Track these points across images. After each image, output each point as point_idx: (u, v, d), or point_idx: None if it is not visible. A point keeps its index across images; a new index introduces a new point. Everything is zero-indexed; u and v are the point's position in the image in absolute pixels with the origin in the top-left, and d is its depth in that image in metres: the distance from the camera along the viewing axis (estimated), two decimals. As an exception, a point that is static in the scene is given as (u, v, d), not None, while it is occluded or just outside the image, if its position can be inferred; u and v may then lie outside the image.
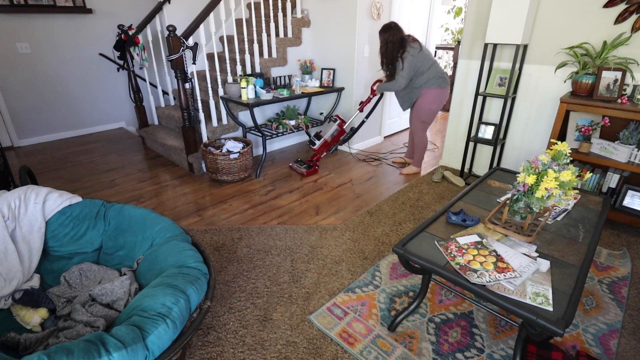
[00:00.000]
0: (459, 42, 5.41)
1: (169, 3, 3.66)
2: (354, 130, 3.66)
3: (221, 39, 3.89)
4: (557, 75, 2.71)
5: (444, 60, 5.90)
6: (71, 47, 4.14)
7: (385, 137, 4.48)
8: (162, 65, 4.59)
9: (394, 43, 2.89)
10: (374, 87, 3.25)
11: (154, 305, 1.14)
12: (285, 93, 3.34)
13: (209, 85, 3.26)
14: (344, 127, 3.52)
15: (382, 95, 3.51)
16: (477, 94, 2.96)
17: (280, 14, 3.57)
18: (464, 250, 1.42)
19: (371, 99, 3.36)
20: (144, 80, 4.19)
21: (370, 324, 1.73)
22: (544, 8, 2.62)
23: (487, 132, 3.04)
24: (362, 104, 3.44)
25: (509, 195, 1.67)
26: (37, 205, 1.64)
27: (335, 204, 2.87)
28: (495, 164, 3.25)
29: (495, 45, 2.81)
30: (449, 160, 3.58)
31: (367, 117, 3.57)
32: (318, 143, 3.44)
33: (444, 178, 3.32)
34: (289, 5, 3.62)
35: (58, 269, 1.66)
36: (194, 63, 3.05)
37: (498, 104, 3.09)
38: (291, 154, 3.94)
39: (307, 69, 3.77)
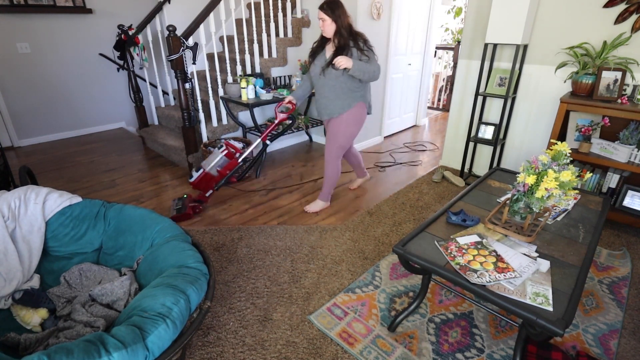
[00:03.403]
0: (459, 42, 5.41)
1: (169, 3, 3.66)
2: (254, 161, 2.88)
3: (221, 39, 3.89)
4: (557, 75, 2.71)
5: (444, 60, 5.89)
6: (71, 47, 4.14)
7: (385, 137, 4.48)
8: (162, 65, 4.59)
9: (346, 29, 2.26)
10: (343, 65, 2.20)
11: (154, 306, 1.14)
12: (285, 93, 3.34)
13: (209, 85, 3.26)
14: (237, 158, 2.72)
15: (294, 120, 3.01)
16: (477, 94, 2.96)
17: (280, 14, 3.57)
18: (464, 251, 1.42)
19: (277, 124, 2.70)
20: (144, 80, 4.19)
21: (370, 324, 1.73)
22: (544, 8, 2.62)
23: (487, 132, 3.04)
24: (266, 131, 2.81)
25: (509, 196, 1.67)
26: (37, 206, 1.64)
27: (335, 204, 2.87)
28: (495, 164, 3.25)
29: (495, 45, 2.81)
30: (449, 160, 3.58)
31: (271, 140, 2.92)
32: (195, 175, 2.58)
33: (444, 178, 3.32)
34: (289, 5, 3.62)
35: (58, 269, 1.66)
36: (194, 63, 3.05)
37: (498, 104, 3.09)
38: (291, 154, 3.94)
39: (307, 69, 3.77)
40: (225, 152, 2.61)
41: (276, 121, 2.68)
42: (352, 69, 2.22)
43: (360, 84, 2.36)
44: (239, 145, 3.03)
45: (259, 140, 2.78)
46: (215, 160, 2.62)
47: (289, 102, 2.56)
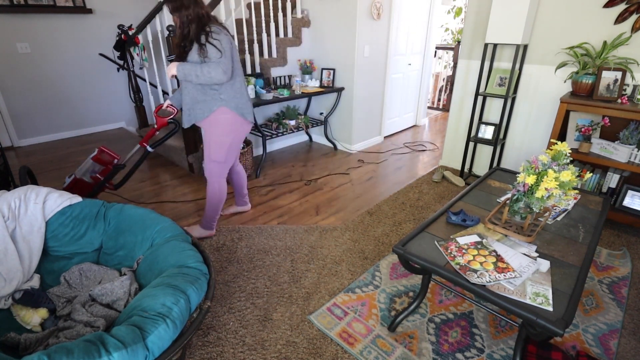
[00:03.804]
0: (459, 42, 5.41)
1: (169, 3, 3.65)
2: (135, 167, 2.59)
3: (221, 39, 3.89)
4: (557, 75, 2.71)
5: (444, 60, 5.89)
6: (71, 47, 4.14)
7: (385, 137, 4.48)
8: (162, 65, 4.59)
9: (194, 19, 1.89)
10: (169, 73, 2.00)
11: (154, 305, 1.14)
12: (285, 93, 3.34)
13: (209, 85, 3.26)
14: (112, 163, 2.45)
15: (177, 126, 2.50)
16: (477, 94, 2.96)
17: (280, 14, 3.57)
18: (464, 251, 1.42)
19: (156, 129, 2.36)
20: (144, 80, 4.19)
21: (370, 324, 1.73)
22: (544, 8, 2.62)
23: (487, 132, 3.04)
24: (145, 137, 2.56)
25: (509, 195, 1.67)
26: (37, 205, 1.64)
27: (335, 204, 2.87)
28: (495, 164, 3.25)
29: (495, 45, 2.81)
30: (449, 160, 3.58)
31: (153, 147, 2.53)
32: (67, 182, 2.35)
33: (444, 178, 3.32)
34: (289, 5, 3.62)
35: (58, 269, 1.66)
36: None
37: (498, 104, 3.09)
38: (291, 154, 3.94)
39: (307, 69, 3.77)
40: (93, 156, 2.39)
41: (156, 126, 2.34)
42: (179, 75, 1.93)
43: (221, 85, 1.97)
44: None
45: (138, 145, 2.50)
46: (84, 167, 2.40)
47: (169, 105, 2.27)
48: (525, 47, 2.77)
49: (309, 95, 3.52)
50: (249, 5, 4.26)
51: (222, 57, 1.85)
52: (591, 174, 1.98)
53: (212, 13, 2.98)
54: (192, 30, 1.87)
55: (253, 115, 2.20)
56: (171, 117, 2.31)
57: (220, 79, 1.88)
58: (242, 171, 2.54)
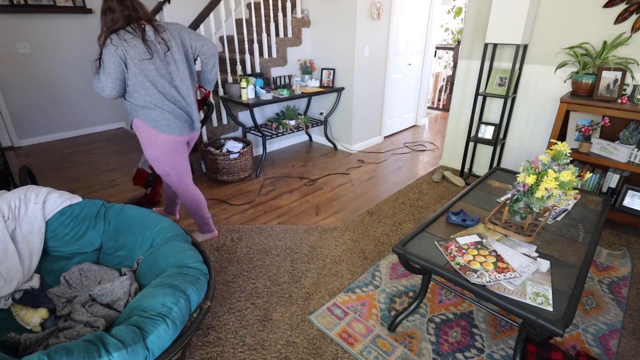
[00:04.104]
0: (459, 42, 5.41)
1: (169, 3, 3.65)
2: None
3: (221, 39, 3.89)
4: (557, 75, 2.71)
5: (444, 60, 5.89)
6: (71, 47, 4.14)
7: (385, 137, 4.48)
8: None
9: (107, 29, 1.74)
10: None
11: (154, 305, 1.14)
12: (285, 93, 3.34)
13: (209, 85, 3.26)
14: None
15: (210, 108, 2.47)
16: (477, 94, 2.96)
17: (280, 14, 3.57)
18: (464, 250, 1.42)
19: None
20: (144, 80, 4.19)
21: (370, 324, 1.73)
22: (544, 8, 2.62)
23: (487, 132, 3.04)
24: None
25: (509, 195, 1.67)
26: (37, 206, 1.64)
27: (335, 204, 2.87)
28: (495, 164, 3.25)
29: (495, 45, 2.81)
30: (449, 160, 3.58)
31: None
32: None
33: (444, 178, 3.32)
34: (289, 5, 3.62)
35: (58, 269, 1.66)
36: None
37: (498, 104, 3.09)
38: (291, 154, 3.94)
39: (307, 69, 3.77)
40: None
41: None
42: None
43: (131, 96, 1.84)
44: (238, 145, 3.02)
45: None
46: (144, 158, 2.51)
47: (198, 87, 2.25)
48: (525, 47, 2.78)
49: (309, 95, 3.52)
50: (249, 5, 4.26)
51: (101, 73, 1.74)
52: (591, 174, 1.98)
53: (211, 14, 2.86)
54: (101, 43, 1.75)
55: (185, 128, 1.98)
56: (202, 98, 2.31)
57: (100, 92, 1.79)
58: None
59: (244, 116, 3.59)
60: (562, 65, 2.59)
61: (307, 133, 4.35)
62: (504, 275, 1.28)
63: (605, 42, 2.38)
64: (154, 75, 1.81)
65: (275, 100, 3.23)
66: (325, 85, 3.79)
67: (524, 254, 1.41)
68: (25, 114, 4.03)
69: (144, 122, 1.88)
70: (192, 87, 1.99)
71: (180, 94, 1.93)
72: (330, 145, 4.16)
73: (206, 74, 2.14)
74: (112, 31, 1.71)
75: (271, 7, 3.45)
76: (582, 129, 2.53)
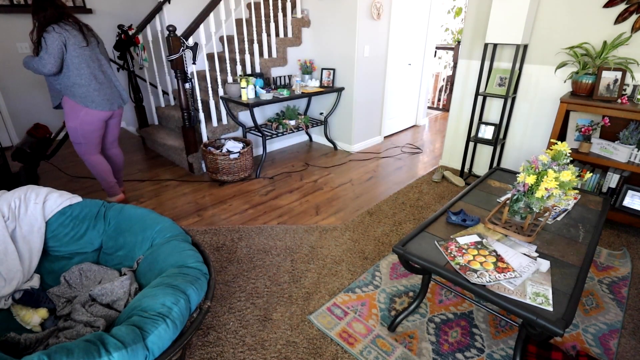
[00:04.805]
0: (459, 42, 5.41)
1: (169, 3, 3.66)
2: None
3: (221, 39, 3.89)
4: (557, 75, 2.71)
5: (444, 60, 5.89)
6: (71, 47, 4.14)
7: (385, 137, 4.48)
8: (162, 65, 4.59)
9: (42, 23, 2.13)
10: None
11: (154, 305, 1.14)
12: (285, 93, 3.34)
13: (209, 85, 3.26)
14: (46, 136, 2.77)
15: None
16: (477, 94, 2.96)
17: (280, 14, 3.57)
18: (464, 250, 1.42)
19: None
20: (144, 80, 4.19)
21: (370, 324, 1.73)
22: (544, 8, 2.62)
23: (487, 132, 3.04)
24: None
25: (509, 195, 1.67)
26: (37, 206, 1.64)
27: (335, 204, 2.87)
28: (495, 164, 3.25)
29: (495, 45, 2.81)
30: (449, 160, 3.58)
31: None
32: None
33: (444, 178, 3.32)
34: (289, 5, 3.62)
35: (58, 269, 1.66)
36: (194, 63, 3.05)
37: (498, 104, 3.09)
38: (291, 154, 3.94)
39: (307, 69, 3.77)
40: (28, 129, 2.71)
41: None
42: (24, 65, 2.25)
43: (57, 77, 2.23)
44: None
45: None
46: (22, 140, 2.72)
47: None
48: (525, 47, 2.78)
49: (309, 95, 3.52)
50: (249, 5, 4.26)
51: (43, 53, 2.11)
52: (591, 174, 1.98)
53: (211, 14, 2.98)
54: (36, 32, 2.14)
55: (106, 105, 2.37)
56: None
57: (43, 72, 2.15)
58: (115, 156, 2.73)
59: (244, 116, 3.59)
60: (562, 65, 2.59)
61: (307, 133, 4.35)
62: (504, 275, 1.28)
63: (605, 42, 2.38)
64: (88, 59, 2.26)
65: (275, 100, 3.23)
66: (325, 85, 3.79)
67: (524, 254, 1.41)
68: (25, 114, 4.03)
69: (71, 99, 2.28)
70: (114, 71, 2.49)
71: (107, 75, 2.39)
72: (330, 145, 4.16)
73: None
74: (47, 25, 2.11)
75: (271, 7, 3.45)
76: (582, 129, 2.53)
